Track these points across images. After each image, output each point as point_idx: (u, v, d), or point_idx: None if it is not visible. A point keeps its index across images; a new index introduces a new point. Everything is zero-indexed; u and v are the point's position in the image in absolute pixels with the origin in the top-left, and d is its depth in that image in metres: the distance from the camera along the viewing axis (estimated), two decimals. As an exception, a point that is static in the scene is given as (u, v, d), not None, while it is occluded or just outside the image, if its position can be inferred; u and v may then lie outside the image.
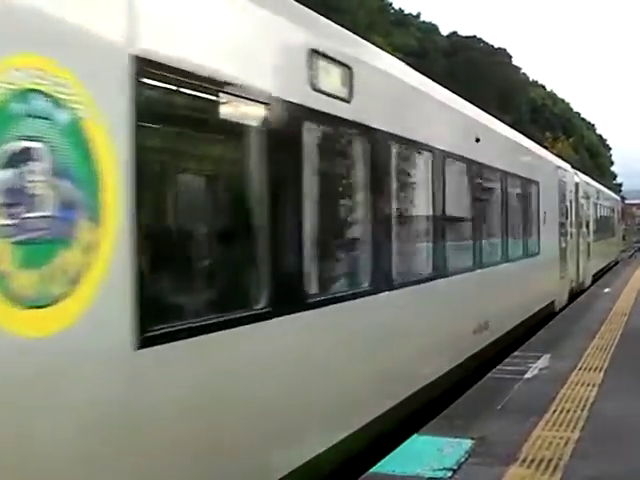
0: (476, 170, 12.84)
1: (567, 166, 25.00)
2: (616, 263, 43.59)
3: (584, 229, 27.78)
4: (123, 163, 4.53)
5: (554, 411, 9.26)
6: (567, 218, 23.01)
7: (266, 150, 6.20)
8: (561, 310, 20.34)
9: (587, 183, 31.07)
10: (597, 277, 31.57)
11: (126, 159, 4.55)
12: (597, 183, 38.38)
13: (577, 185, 26.05)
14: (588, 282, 28.25)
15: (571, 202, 24.18)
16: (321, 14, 7.74)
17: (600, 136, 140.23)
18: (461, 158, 11.97)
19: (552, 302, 20.25)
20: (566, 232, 22.73)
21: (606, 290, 25.44)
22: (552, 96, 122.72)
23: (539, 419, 8.87)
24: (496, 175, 14.44)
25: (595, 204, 33.69)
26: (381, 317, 8.54)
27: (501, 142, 15.43)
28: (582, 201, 27.35)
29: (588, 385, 10.58)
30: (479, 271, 12.76)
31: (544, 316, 18.38)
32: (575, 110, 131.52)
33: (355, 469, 7.51)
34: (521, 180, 16.66)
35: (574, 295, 23.75)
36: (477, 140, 12.47)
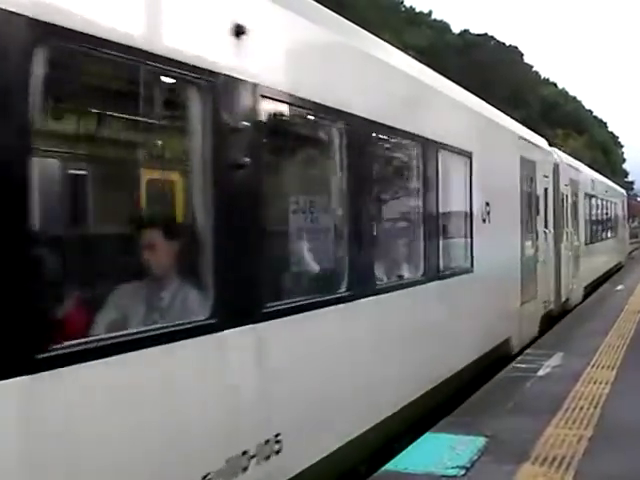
0: (245, 102, 5.72)
1: (540, 140, 18.33)
2: (619, 268, 35.86)
3: (569, 228, 21.00)
4: None
5: (567, 409, 9.25)
6: (538, 213, 16.41)
7: None
8: (527, 347, 14.07)
9: (575, 168, 23.63)
10: (594, 287, 25.70)
11: None
12: (592, 170, 31.05)
13: (557, 167, 19.34)
14: (577, 299, 21.67)
15: (546, 191, 17.54)
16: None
17: (612, 133, 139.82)
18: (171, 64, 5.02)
19: (505, 341, 13.27)
20: (536, 234, 16.15)
21: (619, 287, 25.35)
22: (564, 94, 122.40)
23: (552, 417, 8.87)
24: (334, 124, 7.34)
25: (589, 196, 26.47)
26: None
27: (354, 62, 7.84)
28: (566, 191, 20.65)
29: (601, 383, 10.56)
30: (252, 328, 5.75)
31: (487, 366, 11.89)
32: (587, 108, 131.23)
33: (368, 466, 7.53)
34: (419, 143, 9.31)
35: (554, 318, 17.72)
36: (238, 33, 5.59)
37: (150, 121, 6.01)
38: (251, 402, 5.68)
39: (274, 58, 6.19)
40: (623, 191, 46.33)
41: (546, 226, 17.39)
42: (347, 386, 7.32)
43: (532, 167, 15.87)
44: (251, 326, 5.64)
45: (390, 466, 7.28)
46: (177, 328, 4.98)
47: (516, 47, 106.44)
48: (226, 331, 5.27)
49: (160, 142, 6.07)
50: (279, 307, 6.08)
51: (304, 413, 6.45)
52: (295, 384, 6.30)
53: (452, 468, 7.15)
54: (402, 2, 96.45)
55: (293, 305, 6.38)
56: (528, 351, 13.34)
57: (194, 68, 5.13)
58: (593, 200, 28.03)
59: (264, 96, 5.88)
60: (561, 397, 9.79)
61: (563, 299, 19.49)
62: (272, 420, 5.94)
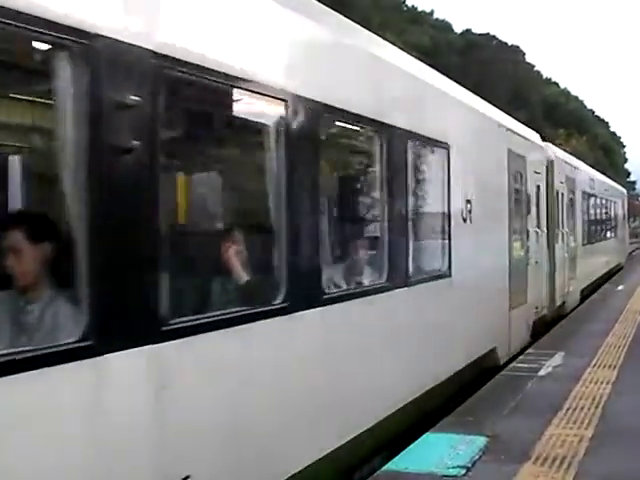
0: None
1: (532, 134, 16.97)
2: (619, 269, 34.50)
3: (565, 228, 19.82)
4: None
5: (568, 409, 9.24)
6: (529, 212, 15.14)
7: None
8: (518, 355, 13.06)
9: (571, 165, 22.48)
10: (593, 290, 24.58)
11: None
12: (590, 168, 29.76)
13: (551, 164, 18.26)
14: (573, 302, 20.63)
15: (538, 188, 16.31)
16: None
17: (614, 133, 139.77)
18: None
19: (491, 352, 12.00)
20: (527, 234, 14.89)
21: (619, 288, 25.34)
22: (566, 93, 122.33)
23: (553, 417, 8.86)
24: (263, 102, 6.05)
25: (587, 194, 25.49)
26: None
27: (292, 30, 6.46)
28: (561, 189, 19.45)
29: (602, 383, 10.56)
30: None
31: (471, 380, 10.94)
32: (589, 108, 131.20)
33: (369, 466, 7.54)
34: (381, 130, 7.99)
35: (548, 324, 16.68)
36: None
37: (6, 95, 4.88)
38: (148, 440, 4.57)
39: (176, 18, 4.94)
40: (623, 190, 44.55)
41: (538, 226, 16.11)
42: (281, 416, 6.02)
43: (522, 162, 14.58)
44: (145, 347, 4.49)
45: (391, 466, 7.28)
46: (44, 352, 3.95)
47: (518, 47, 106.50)
48: (109, 354, 4.22)
49: (21, 121, 4.97)
50: (187, 324, 4.93)
51: (224, 450, 5.31)
52: (211, 416, 5.13)
53: (453, 468, 7.14)
54: (404, 2, 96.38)
55: (207, 320, 5.26)
56: (529, 351, 13.33)
57: (67, 29, 4.01)
58: (591, 199, 26.97)
59: (161, 65, 4.68)
60: (562, 397, 9.78)
61: (558, 303, 18.44)
62: (179, 460, 4.81)
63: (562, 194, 19.52)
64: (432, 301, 9.48)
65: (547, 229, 17.29)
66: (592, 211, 27.32)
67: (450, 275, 9.97)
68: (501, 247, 13.00)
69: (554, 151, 19.51)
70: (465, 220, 10.66)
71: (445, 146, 9.90)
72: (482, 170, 11.71)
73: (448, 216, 10.11)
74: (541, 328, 15.83)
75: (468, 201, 10.78)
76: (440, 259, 9.99)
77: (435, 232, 10.05)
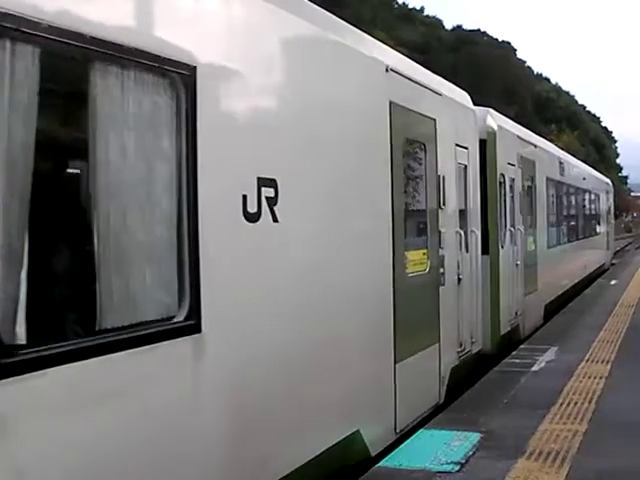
0: None
1: (455, 90, 11.61)
2: (601, 272, 29.54)
3: (518, 227, 15.00)
4: None
5: (561, 404, 9.25)
6: (442, 205, 10.04)
7: None
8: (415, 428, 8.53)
9: (528, 142, 17.24)
10: (564, 302, 19.64)
11: None
12: (560, 150, 24.54)
13: (493, 137, 13.60)
14: (533, 323, 16.09)
15: (464, 171, 11.44)
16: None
17: (605, 128, 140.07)
18: None
19: (345, 443, 7.02)
20: (437, 239, 9.86)
21: (613, 282, 25.39)
22: (557, 89, 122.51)
23: (546, 412, 8.87)
24: None
25: (555, 182, 20.38)
26: None
27: None
28: (511, 173, 14.70)
29: (595, 377, 10.57)
30: None
31: None
32: (580, 103, 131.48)
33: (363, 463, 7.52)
34: None
35: (488, 359, 12.31)
36: None
37: None
38: None
39: None
40: (607, 180, 37.54)
41: (463, 225, 11.25)
42: None
43: (427, 127, 9.66)
44: None
45: (385, 463, 7.27)
46: None
47: (509, 43, 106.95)
48: None
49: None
50: None
51: None
52: None
53: (447, 464, 7.14)
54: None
55: None
56: (523, 346, 13.34)
57: None
58: (562, 188, 21.83)
59: None
60: (555, 392, 9.79)
61: (504, 330, 13.73)
62: None
63: (512, 180, 14.79)
64: (101, 406, 4.28)
65: (485, 229, 12.89)
66: (563, 204, 22.38)
67: (197, 329, 5.04)
68: (372, 263, 7.96)
69: (499, 120, 14.43)
70: (255, 218, 5.74)
71: (182, 70, 4.94)
72: (314, 129, 6.81)
73: (191, 210, 4.99)
74: (468, 372, 11.19)
75: (265, 182, 5.87)
76: (159, 297, 4.87)
77: (132, 241, 4.67)
